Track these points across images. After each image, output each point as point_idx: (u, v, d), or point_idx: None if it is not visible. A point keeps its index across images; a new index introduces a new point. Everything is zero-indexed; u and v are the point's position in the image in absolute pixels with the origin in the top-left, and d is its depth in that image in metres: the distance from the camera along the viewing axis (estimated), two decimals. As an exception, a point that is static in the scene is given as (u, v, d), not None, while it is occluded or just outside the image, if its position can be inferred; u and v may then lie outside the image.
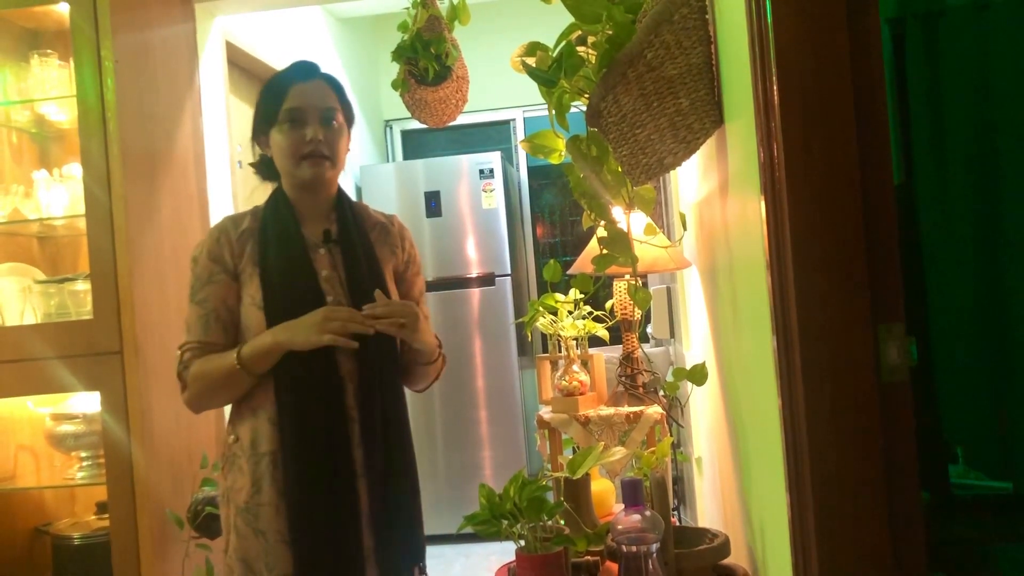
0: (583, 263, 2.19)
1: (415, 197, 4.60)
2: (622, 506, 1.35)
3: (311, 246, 1.72)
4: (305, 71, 1.73)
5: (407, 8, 2.73)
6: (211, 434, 2.66)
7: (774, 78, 1.03)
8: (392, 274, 1.81)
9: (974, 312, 1.58)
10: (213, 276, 1.68)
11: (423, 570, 1.76)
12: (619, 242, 1.78)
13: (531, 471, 4.56)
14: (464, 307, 4.56)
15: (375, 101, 5.29)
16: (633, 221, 2.02)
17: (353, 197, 1.90)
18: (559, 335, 2.23)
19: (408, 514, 1.71)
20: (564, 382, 2.22)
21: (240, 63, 3.47)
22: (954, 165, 1.58)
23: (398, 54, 2.69)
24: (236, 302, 1.69)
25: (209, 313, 1.67)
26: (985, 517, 1.58)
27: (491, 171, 4.55)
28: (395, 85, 2.73)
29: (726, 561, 1.49)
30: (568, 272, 2.25)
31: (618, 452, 1.69)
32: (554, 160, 2.01)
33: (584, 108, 1.57)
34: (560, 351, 2.28)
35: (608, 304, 2.29)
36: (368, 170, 4.70)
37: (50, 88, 2.48)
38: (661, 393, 2.26)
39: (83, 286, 2.37)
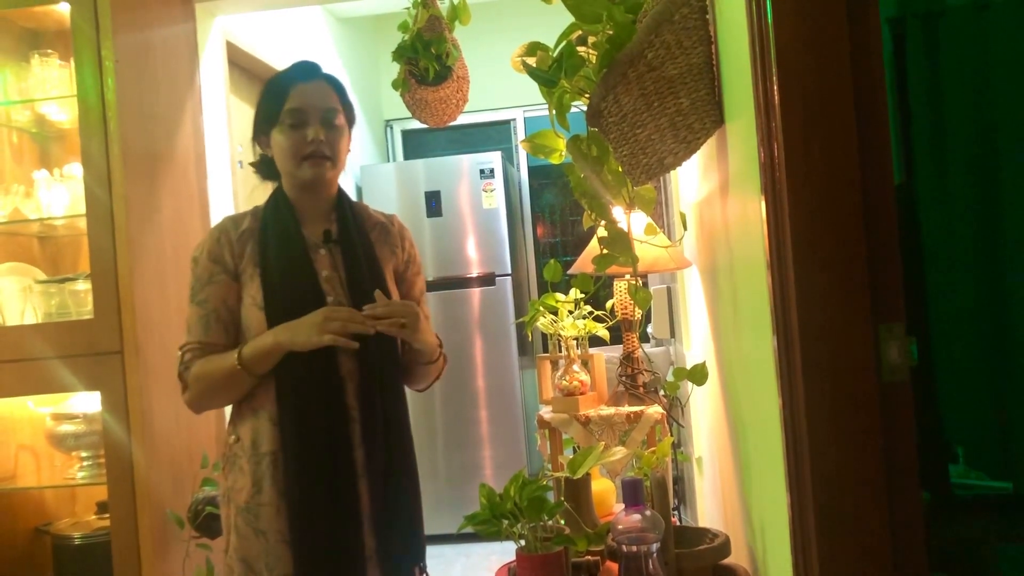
0: (583, 263, 2.19)
1: (415, 197, 4.60)
2: (622, 506, 1.35)
3: (312, 246, 1.72)
4: (307, 71, 1.73)
5: (407, 8, 2.73)
6: (211, 434, 2.66)
7: (774, 78, 1.03)
8: (392, 274, 1.81)
9: (975, 312, 1.58)
10: (213, 276, 1.68)
11: (423, 570, 1.76)
12: (619, 242, 1.78)
13: (531, 471, 4.56)
14: (464, 307, 4.56)
15: (375, 101, 5.29)
16: (633, 221, 2.02)
17: (353, 197, 1.90)
18: (559, 335, 2.23)
19: (409, 514, 1.71)
20: (564, 382, 2.23)
21: (240, 63, 3.47)
22: (955, 165, 1.58)
23: (399, 54, 2.69)
24: (236, 302, 1.69)
25: (209, 314, 1.67)
26: (986, 517, 1.58)
27: (491, 171, 4.56)
28: (395, 85, 2.73)
29: (726, 561, 1.49)
30: (568, 272, 2.25)
31: (618, 452, 1.69)
32: (555, 160, 2.01)
33: (584, 108, 1.57)
34: (560, 351, 2.28)
35: (608, 304, 2.29)
36: (368, 170, 4.70)
37: (51, 88, 2.48)
38: (661, 393, 2.26)
39: (84, 286, 2.37)
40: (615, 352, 2.37)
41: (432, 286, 4.53)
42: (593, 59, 1.60)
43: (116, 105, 2.29)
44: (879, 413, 1.00)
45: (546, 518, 1.48)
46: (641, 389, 2.21)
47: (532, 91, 2.17)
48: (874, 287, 1.01)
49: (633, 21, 1.45)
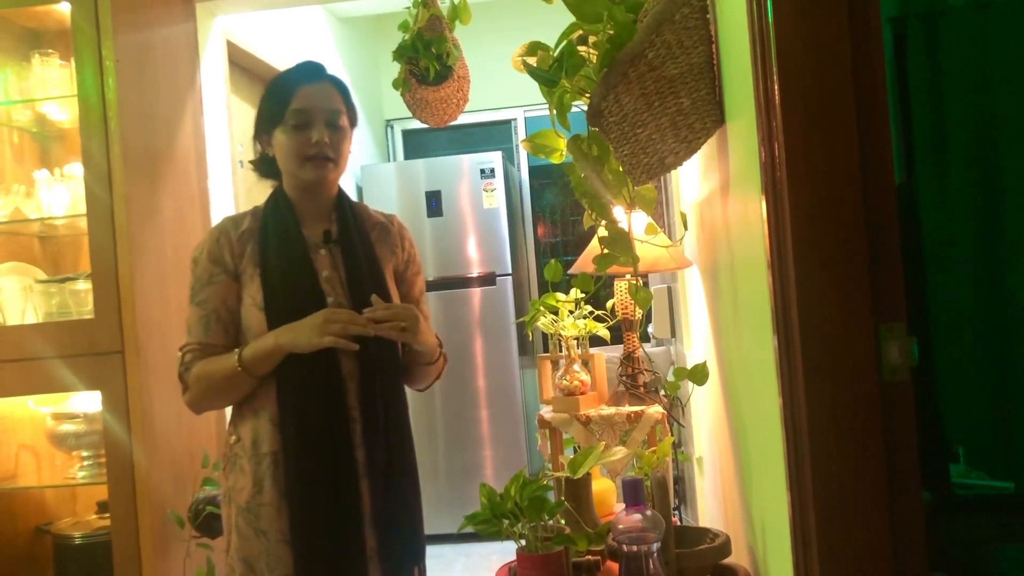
0: (584, 262, 2.19)
1: (416, 197, 4.60)
2: (623, 505, 1.35)
3: (312, 246, 1.72)
4: (312, 72, 1.72)
5: (408, 8, 2.73)
6: (212, 433, 2.66)
7: (775, 78, 1.03)
8: (392, 274, 1.81)
9: (975, 311, 1.58)
10: (213, 277, 1.68)
11: (423, 570, 1.76)
12: (620, 242, 1.78)
13: (532, 471, 4.56)
14: (465, 307, 4.56)
15: (376, 101, 5.29)
16: (634, 220, 2.02)
17: (354, 197, 1.90)
18: (560, 335, 2.23)
19: (409, 514, 1.71)
20: (565, 382, 2.23)
21: (241, 63, 3.47)
22: (955, 165, 1.58)
23: (399, 54, 2.69)
24: (236, 303, 1.69)
25: (209, 314, 1.67)
26: (986, 517, 1.58)
27: (492, 171, 4.55)
28: (396, 85, 2.73)
29: (727, 561, 1.49)
30: (569, 272, 2.25)
31: (619, 452, 1.69)
32: (555, 160, 2.01)
33: (585, 108, 1.57)
34: (561, 351, 2.28)
35: (609, 304, 2.29)
36: (369, 170, 4.70)
37: (51, 88, 2.48)
38: (662, 393, 2.26)
39: (84, 285, 2.37)
40: (616, 352, 2.37)
41: (432, 286, 4.53)
42: (594, 59, 1.60)
43: (117, 105, 2.29)
44: (880, 413, 1.00)
45: (547, 518, 1.48)
46: (642, 389, 2.21)
47: (533, 91, 2.17)
48: (875, 287, 1.01)
49: (634, 21, 1.45)
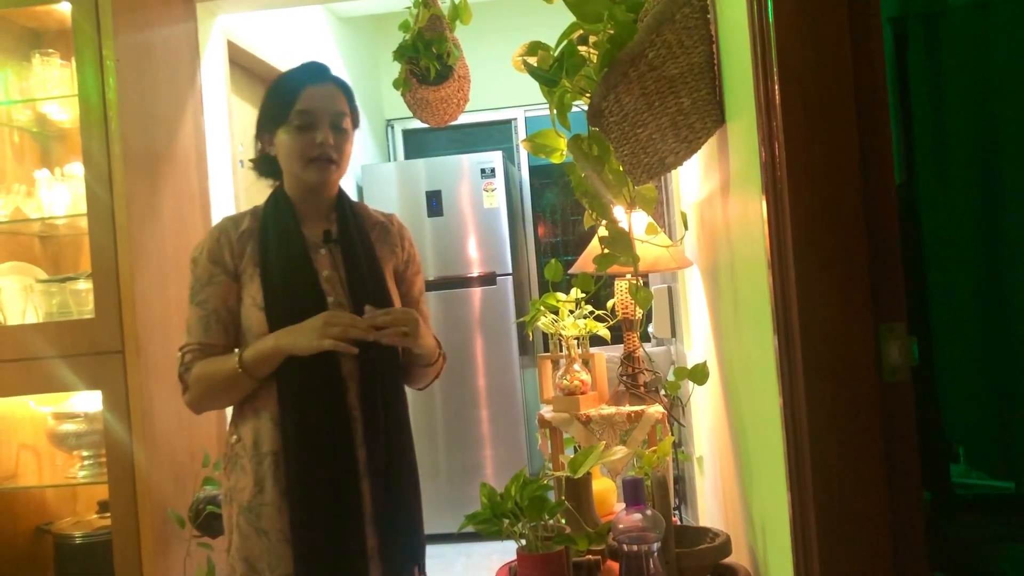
0: (584, 262, 2.19)
1: (416, 196, 4.60)
2: (623, 505, 1.35)
3: (312, 246, 1.71)
4: (317, 73, 1.72)
5: (408, 7, 2.73)
6: (213, 433, 2.66)
7: (775, 77, 1.03)
8: (392, 274, 1.81)
9: (975, 311, 1.58)
10: (213, 277, 1.68)
11: (423, 570, 1.76)
12: (620, 241, 1.78)
13: (532, 470, 4.56)
14: (465, 306, 4.56)
15: (376, 100, 5.29)
16: (634, 220, 2.02)
17: (354, 197, 1.90)
18: (560, 334, 2.23)
19: (409, 514, 1.71)
20: (565, 381, 2.23)
21: (242, 62, 3.47)
22: (955, 165, 1.58)
23: (399, 53, 2.69)
24: (236, 303, 1.69)
25: (209, 314, 1.67)
26: (986, 517, 1.58)
27: (492, 170, 4.55)
28: (396, 84, 2.73)
29: (727, 560, 1.49)
30: (569, 271, 2.25)
31: (619, 451, 1.69)
32: (555, 159, 2.01)
33: (585, 107, 1.57)
34: (561, 350, 2.28)
35: (609, 303, 2.29)
36: (369, 169, 4.70)
37: (52, 87, 2.48)
38: (662, 392, 2.26)
39: (85, 285, 2.38)
40: (616, 351, 2.37)
41: (433, 286, 4.53)
42: (594, 58, 1.60)
43: (117, 105, 2.29)
44: (880, 413, 1.00)
45: (547, 517, 1.48)
46: (642, 388, 2.21)
47: (533, 91, 2.17)
48: (875, 286, 1.01)
49: (634, 20, 1.45)
